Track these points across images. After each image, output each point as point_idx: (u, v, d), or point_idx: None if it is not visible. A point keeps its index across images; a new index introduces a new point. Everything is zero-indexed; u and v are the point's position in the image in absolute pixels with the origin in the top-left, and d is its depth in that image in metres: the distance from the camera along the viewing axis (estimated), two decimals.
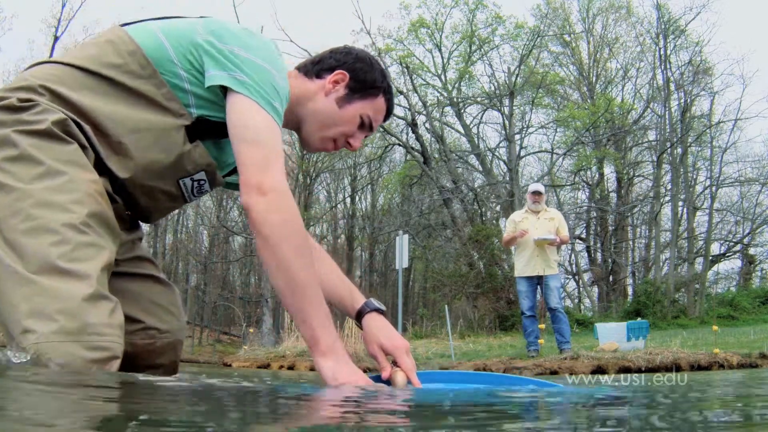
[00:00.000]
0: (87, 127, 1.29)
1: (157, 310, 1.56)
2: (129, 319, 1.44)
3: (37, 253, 1.15)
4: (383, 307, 1.54)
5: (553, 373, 5.61)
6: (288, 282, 1.24)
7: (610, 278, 22.39)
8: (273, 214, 1.24)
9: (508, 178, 20.16)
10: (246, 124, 1.28)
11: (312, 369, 7.71)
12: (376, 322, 1.50)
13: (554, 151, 22.62)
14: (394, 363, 1.42)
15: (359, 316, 1.52)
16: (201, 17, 1.41)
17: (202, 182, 1.46)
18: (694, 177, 22.66)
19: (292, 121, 1.51)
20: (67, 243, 1.16)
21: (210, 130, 1.40)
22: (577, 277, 23.83)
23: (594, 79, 24.35)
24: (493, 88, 21.75)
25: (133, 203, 1.43)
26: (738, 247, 23.77)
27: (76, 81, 1.30)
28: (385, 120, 1.58)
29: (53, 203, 1.19)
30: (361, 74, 1.50)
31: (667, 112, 20.54)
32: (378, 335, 1.46)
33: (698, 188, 23.09)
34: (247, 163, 1.26)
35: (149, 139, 1.34)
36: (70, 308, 1.12)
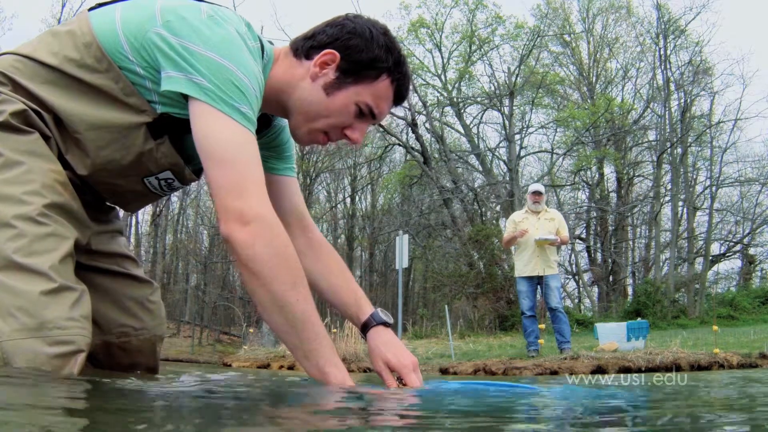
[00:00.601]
0: (48, 117, 1.25)
1: (132, 306, 1.51)
2: (103, 318, 1.41)
3: None
4: (391, 320, 1.43)
5: (554, 373, 5.60)
6: (286, 319, 1.13)
7: (610, 278, 22.38)
8: (261, 248, 1.11)
9: (508, 178, 20.16)
10: (212, 140, 1.14)
11: None
12: (382, 337, 1.38)
13: (554, 151, 22.65)
14: (401, 380, 1.32)
15: (364, 328, 1.42)
16: None
17: (170, 180, 1.38)
18: (694, 177, 22.70)
19: (280, 111, 1.37)
20: (23, 237, 1.13)
21: (178, 126, 1.27)
22: (577, 277, 23.83)
23: (594, 79, 24.36)
24: (493, 88, 21.77)
25: (100, 197, 1.40)
26: (738, 247, 23.77)
27: (38, 75, 1.25)
28: (396, 104, 1.35)
29: (8, 196, 1.16)
30: (355, 53, 1.27)
31: (667, 112, 20.56)
32: (384, 351, 1.35)
33: (698, 188, 23.13)
34: (220, 187, 1.13)
35: (106, 137, 1.26)
36: (29, 304, 1.10)
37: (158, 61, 1.19)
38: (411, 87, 1.42)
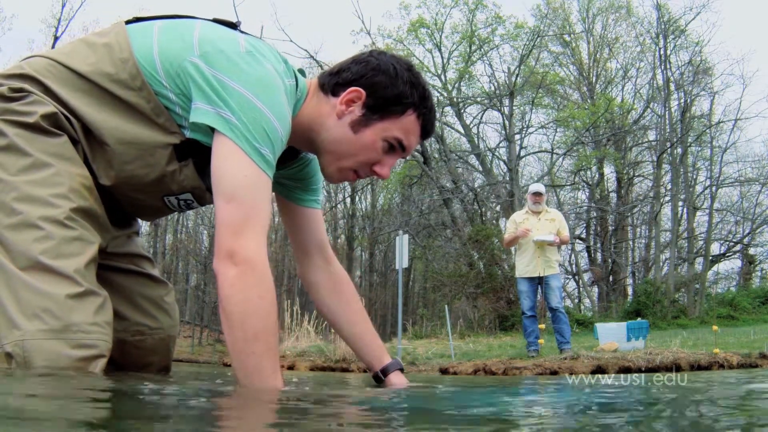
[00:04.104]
0: (76, 123, 1.26)
1: (148, 306, 1.52)
2: (118, 316, 1.42)
3: (22, 250, 1.14)
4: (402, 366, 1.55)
5: (553, 373, 5.60)
6: (238, 364, 1.11)
7: (610, 278, 22.39)
8: (238, 291, 1.10)
9: (508, 178, 20.16)
10: (227, 176, 1.15)
11: (312, 369, 7.72)
12: (399, 379, 1.50)
13: (554, 151, 22.65)
14: None
15: (385, 370, 1.50)
16: (207, 26, 1.28)
17: (189, 201, 1.40)
18: (694, 177, 22.71)
19: (308, 147, 1.38)
20: (50, 239, 1.14)
21: (204, 152, 1.27)
22: (577, 277, 23.84)
23: (594, 79, 24.37)
24: (493, 88, 21.77)
25: (119, 206, 1.41)
26: (738, 247, 23.79)
27: (71, 82, 1.26)
28: (423, 139, 1.35)
29: (36, 197, 1.16)
30: (380, 89, 1.28)
31: (667, 112, 20.57)
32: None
33: (698, 188, 23.15)
34: (221, 222, 1.14)
35: (132, 153, 1.27)
36: (54, 306, 1.11)
37: (191, 92, 1.20)
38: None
